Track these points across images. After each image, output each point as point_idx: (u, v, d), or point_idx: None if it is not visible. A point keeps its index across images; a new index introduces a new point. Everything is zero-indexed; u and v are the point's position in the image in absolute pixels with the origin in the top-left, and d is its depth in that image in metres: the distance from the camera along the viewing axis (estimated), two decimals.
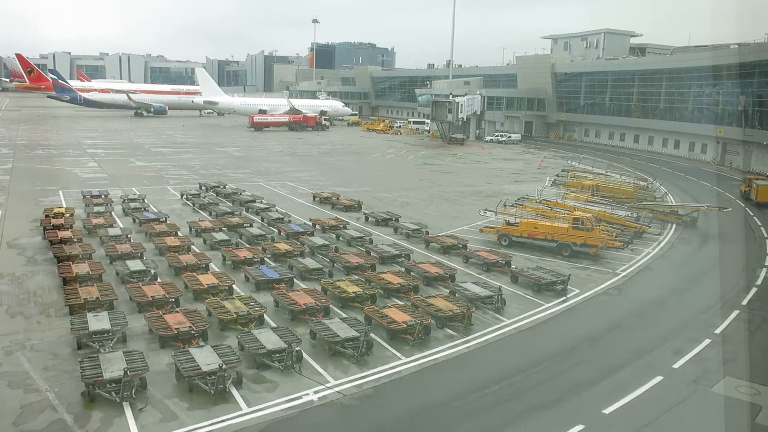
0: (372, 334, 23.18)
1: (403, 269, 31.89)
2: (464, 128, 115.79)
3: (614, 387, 20.65)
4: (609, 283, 32.09)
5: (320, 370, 21.05)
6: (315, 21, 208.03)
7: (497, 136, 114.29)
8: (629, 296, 30.43)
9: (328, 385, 20.03)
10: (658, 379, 21.27)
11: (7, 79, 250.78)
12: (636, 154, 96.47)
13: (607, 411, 19.02)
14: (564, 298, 29.31)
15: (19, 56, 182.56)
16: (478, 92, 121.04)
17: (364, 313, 25.36)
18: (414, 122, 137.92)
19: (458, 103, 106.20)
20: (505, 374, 21.41)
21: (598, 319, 27.26)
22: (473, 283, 29.28)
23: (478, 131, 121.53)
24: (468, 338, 24.27)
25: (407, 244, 37.36)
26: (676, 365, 22.48)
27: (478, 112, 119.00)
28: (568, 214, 39.90)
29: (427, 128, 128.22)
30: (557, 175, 65.07)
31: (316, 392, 19.55)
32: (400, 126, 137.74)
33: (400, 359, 22.14)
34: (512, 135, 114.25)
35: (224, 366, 19.04)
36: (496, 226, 40.07)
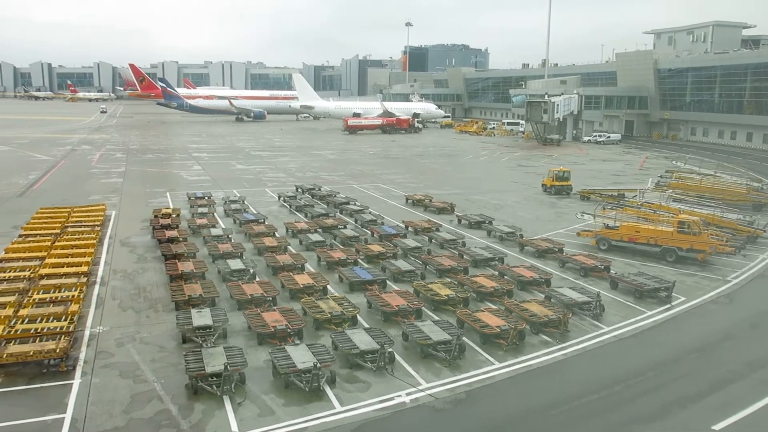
0: (464, 338, 22.93)
1: (497, 273, 31.37)
2: (560, 129, 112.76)
3: (724, 402, 19.35)
4: (719, 290, 30.13)
5: (412, 372, 21.03)
6: (408, 24, 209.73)
7: (595, 136, 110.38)
8: (742, 305, 28.45)
9: (420, 387, 19.98)
10: None
11: (122, 88, 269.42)
12: (749, 154, 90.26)
13: (716, 427, 17.83)
14: (668, 305, 27.79)
15: (132, 66, 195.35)
16: (575, 91, 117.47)
17: (456, 317, 25.13)
18: (508, 123, 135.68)
19: (554, 102, 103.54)
20: (604, 384, 20.55)
21: (707, 329, 25.65)
22: (570, 288, 28.38)
23: (575, 132, 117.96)
24: (564, 345, 23.50)
25: (501, 248, 36.76)
26: None
27: (575, 112, 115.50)
28: (672, 217, 37.91)
29: (521, 129, 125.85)
30: (660, 177, 61.96)
31: (408, 394, 19.54)
32: (493, 127, 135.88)
33: (493, 364, 21.76)
34: (611, 135, 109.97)
35: (319, 365, 19.42)
36: (594, 229, 38.66)
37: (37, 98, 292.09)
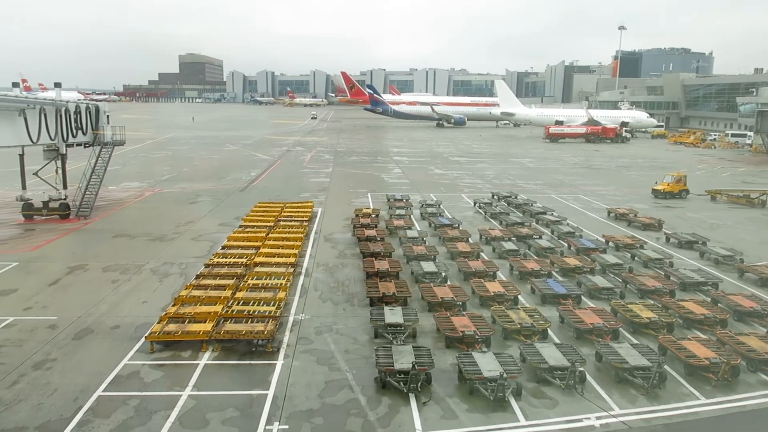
0: (665, 366, 21.08)
1: (709, 299, 28.41)
2: None
3: None
4: None
5: (604, 395, 19.79)
6: (621, 28, 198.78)
7: None
8: None
9: (612, 412, 18.73)
10: None
11: (333, 94, 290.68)
12: None
13: None
14: None
15: (343, 74, 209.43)
16: None
17: (658, 342, 23.20)
18: (732, 135, 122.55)
19: None
20: None
21: None
22: None
23: None
24: None
25: (715, 272, 33.26)
26: None
27: None
28: None
29: (749, 142, 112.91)
30: None
31: (598, 418, 18.43)
32: (714, 139, 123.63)
33: (699, 399, 19.69)
34: None
35: (505, 375, 19.09)
36: None
37: (260, 103, 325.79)
